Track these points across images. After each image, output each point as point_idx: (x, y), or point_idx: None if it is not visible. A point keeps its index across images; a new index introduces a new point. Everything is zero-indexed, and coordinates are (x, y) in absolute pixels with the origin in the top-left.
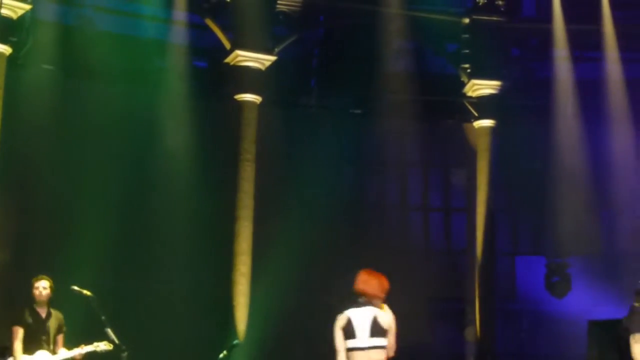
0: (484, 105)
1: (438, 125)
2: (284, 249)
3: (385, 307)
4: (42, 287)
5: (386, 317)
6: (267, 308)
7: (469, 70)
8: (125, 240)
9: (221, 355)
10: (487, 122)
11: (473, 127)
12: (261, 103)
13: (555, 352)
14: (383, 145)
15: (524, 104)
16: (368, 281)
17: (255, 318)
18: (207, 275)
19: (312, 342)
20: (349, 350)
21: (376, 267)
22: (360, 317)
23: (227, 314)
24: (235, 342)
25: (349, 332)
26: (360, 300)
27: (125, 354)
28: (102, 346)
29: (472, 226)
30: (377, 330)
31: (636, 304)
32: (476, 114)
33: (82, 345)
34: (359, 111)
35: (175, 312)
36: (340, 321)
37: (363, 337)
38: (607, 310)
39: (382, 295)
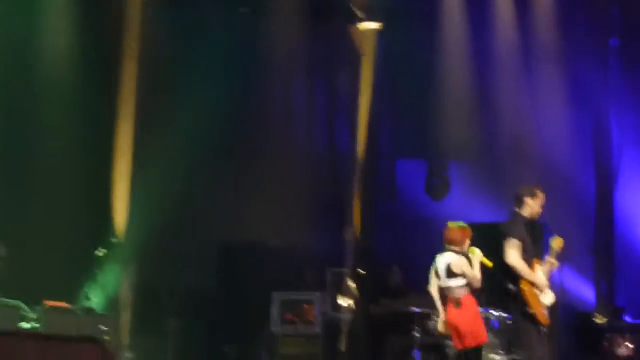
0: (370, 8)
1: (324, 29)
2: (166, 152)
3: (476, 250)
4: None
5: (459, 262)
6: (148, 209)
7: None
8: (4, 138)
9: (100, 254)
10: (373, 25)
11: (359, 30)
12: None
13: (434, 253)
14: (269, 48)
15: (411, 8)
16: (452, 230)
17: (136, 218)
18: (86, 175)
19: (191, 242)
20: (440, 288)
21: (260, 169)
22: (440, 262)
23: (106, 214)
24: (115, 240)
25: (437, 274)
26: (447, 247)
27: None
28: None
29: (355, 129)
30: (451, 273)
31: (516, 209)
32: (362, 17)
33: None
34: (246, 10)
35: (53, 211)
36: (434, 265)
37: (444, 278)
38: (486, 214)
39: (466, 240)
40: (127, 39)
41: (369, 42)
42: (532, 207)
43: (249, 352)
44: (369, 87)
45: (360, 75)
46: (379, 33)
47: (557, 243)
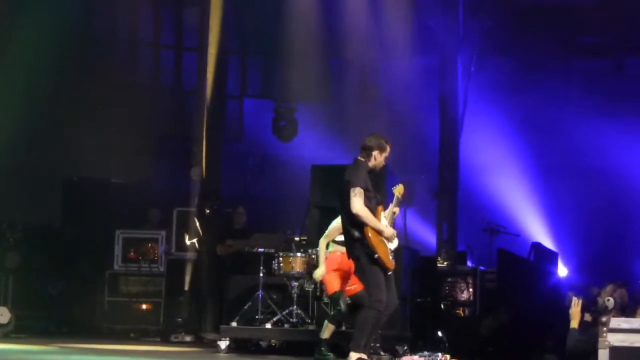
0: None
1: None
2: (6, 83)
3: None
4: None
5: None
6: None
7: None
8: None
9: None
10: None
11: None
12: None
13: (280, 194)
14: None
15: None
16: None
17: None
18: None
19: (35, 177)
20: None
21: (104, 102)
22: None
23: None
24: None
25: None
26: None
27: None
28: None
29: (203, 66)
30: None
31: (361, 158)
32: None
33: None
34: None
35: None
36: None
37: None
38: (332, 155)
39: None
40: None
41: None
42: (378, 159)
43: (94, 289)
44: (218, 23)
45: (210, 11)
46: None
47: (398, 190)
